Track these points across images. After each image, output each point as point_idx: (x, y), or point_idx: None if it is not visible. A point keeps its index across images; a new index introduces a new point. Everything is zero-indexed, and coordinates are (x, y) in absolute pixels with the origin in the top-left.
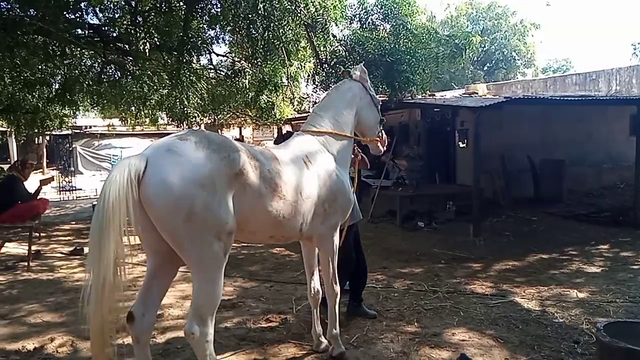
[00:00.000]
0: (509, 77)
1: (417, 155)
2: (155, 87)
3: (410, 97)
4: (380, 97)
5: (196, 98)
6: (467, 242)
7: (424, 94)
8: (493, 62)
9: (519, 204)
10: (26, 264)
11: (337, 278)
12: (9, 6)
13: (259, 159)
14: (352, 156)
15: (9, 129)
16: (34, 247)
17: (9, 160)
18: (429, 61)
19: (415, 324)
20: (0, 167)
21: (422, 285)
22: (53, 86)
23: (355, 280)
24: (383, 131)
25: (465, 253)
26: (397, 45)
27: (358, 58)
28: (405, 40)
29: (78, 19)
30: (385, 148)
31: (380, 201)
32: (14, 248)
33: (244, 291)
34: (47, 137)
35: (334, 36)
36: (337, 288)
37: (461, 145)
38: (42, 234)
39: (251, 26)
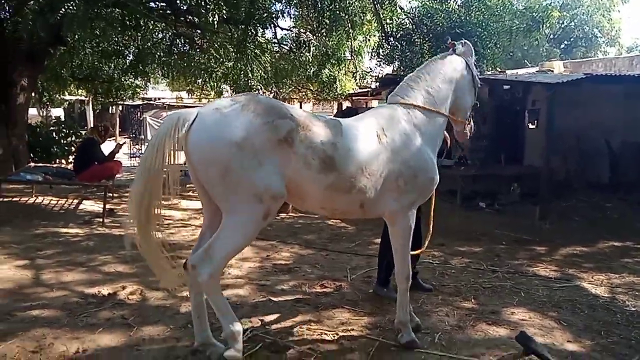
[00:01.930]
0: (589, 56)
1: (481, 134)
2: (221, 60)
3: (479, 73)
4: None
5: (260, 71)
6: (532, 225)
7: (494, 70)
8: (571, 39)
9: (593, 189)
10: (101, 220)
11: (408, 261)
12: None
13: (312, 129)
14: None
15: (87, 98)
16: (108, 206)
17: (86, 127)
18: (502, 35)
19: (473, 300)
20: (80, 133)
21: (481, 264)
22: (127, 57)
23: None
24: (472, 117)
25: (529, 236)
26: (468, 18)
27: (426, 31)
28: (478, 13)
29: None
30: (470, 134)
31: (441, 180)
32: (90, 205)
33: (300, 257)
34: (120, 107)
35: (402, 8)
36: (408, 271)
37: (531, 126)
38: (115, 194)
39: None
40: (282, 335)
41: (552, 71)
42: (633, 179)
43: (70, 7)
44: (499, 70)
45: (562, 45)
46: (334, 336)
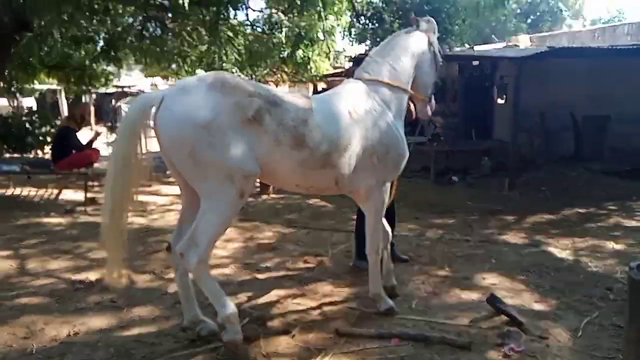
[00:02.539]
0: (554, 29)
1: (453, 112)
2: (194, 44)
3: (448, 49)
4: None
5: (234, 54)
6: (502, 196)
7: (462, 46)
8: (537, 14)
9: (558, 162)
10: (83, 208)
11: (379, 235)
12: None
13: (281, 106)
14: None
15: (59, 87)
16: (89, 194)
17: (59, 117)
18: (470, 11)
19: (447, 268)
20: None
21: (455, 234)
22: (98, 43)
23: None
24: (433, 95)
25: (499, 206)
26: None
27: (395, 9)
28: None
29: None
30: (432, 112)
31: (415, 157)
32: (70, 194)
33: (283, 236)
34: (94, 96)
35: None
36: (379, 245)
37: (500, 101)
38: (95, 183)
39: None
40: (268, 309)
41: (518, 46)
42: (595, 151)
43: None
44: (468, 46)
45: (529, 20)
46: (317, 307)
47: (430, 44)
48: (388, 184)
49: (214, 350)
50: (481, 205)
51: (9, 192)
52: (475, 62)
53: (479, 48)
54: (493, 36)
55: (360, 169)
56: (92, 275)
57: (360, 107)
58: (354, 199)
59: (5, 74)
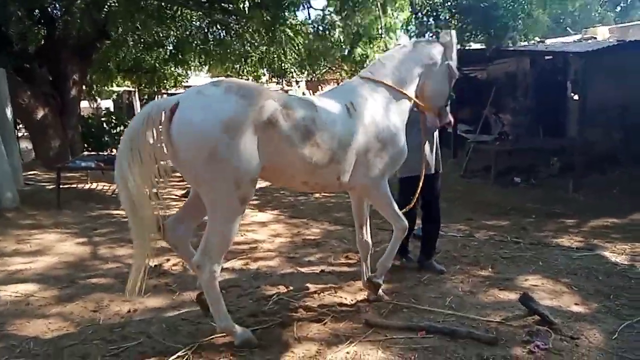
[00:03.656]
0: None
1: (523, 108)
2: (255, 45)
3: (511, 45)
4: (474, 46)
5: (293, 54)
6: (565, 198)
7: (529, 41)
8: (628, 1)
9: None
10: None
11: (399, 214)
12: None
13: (292, 107)
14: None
15: (133, 88)
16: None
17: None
18: (535, 4)
19: (490, 269)
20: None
21: (505, 236)
22: (167, 47)
23: (424, 234)
24: (448, 109)
25: (561, 209)
26: None
27: (451, 5)
28: None
29: None
30: (442, 126)
31: (478, 156)
32: None
33: (329, 233)
34: (165, 96)
35: None
36: (404, 222)
37: (575, 97)
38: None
39: None
40: (305, 299)
41: (595, 38)
42: None
43: (113, 3)
44: (539, 39)
45: (618, 8)
46: (352, 300)
47: (445, 56)
48: (386, 179)
49: (253, 332)
50: (541, 207)
51: (87, 186)
52: (549, 57)
53: (552, 41)
54: (567, 28)
55: (358, 164)
56: (152, 262)
57: (358, 104)
58: (353, 195)
59: (87, 78)
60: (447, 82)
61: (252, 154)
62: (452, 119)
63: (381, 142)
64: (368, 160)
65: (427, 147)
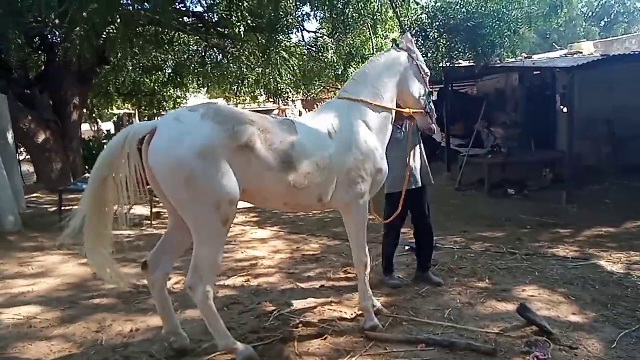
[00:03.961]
0: (631, 32)
1: (514, 122)
2: (252, 67)
3: (499, 62)
4: (464, 63)
5: (288, 75)
6: (559, 209)
7: (516, 58)
8: (612, 16)
9: (629, 173)
10: (149, 222)
11: (364, 248)
12: (128, 2)
13: (271, 131)
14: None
15: (133, 111)
16: (154, 209)
17: None
18: (521, 22)
19: (487, 281)
20: None
21: (501, 247)
22: (166, 71)
23: (418, 247)
24: (432, 105)
25: (554, 220)
26: (482, 9)
27: (439, 25)
28: (493, 3)
29: (183, 8)
30: (434, 121)
31: (469, 170)
32: (139, 209)
33: (328, 248)
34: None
35: (418, 3)
36: (366, 259)
37: (564, 110)
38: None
39: (334, 3)
40: (305, 315)
41: (581, 53)
42: None
43: (111, 30)
44: (526, 55)
45: (602, 23)
46: (352, 314)
47: (410, 58)
48: (366, 200)
49: (254, 348)
50: (535, 219)
51: None
52: (537, 72)
53: (539, 57)
54: (554, 44)
55: (340, 185)
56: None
57: (339, 126)
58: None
59: (88, 102)
60: (421, 81)
61: (230, 177)
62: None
63: (360, 161)
64: (350, 179)
65: (412, 161)
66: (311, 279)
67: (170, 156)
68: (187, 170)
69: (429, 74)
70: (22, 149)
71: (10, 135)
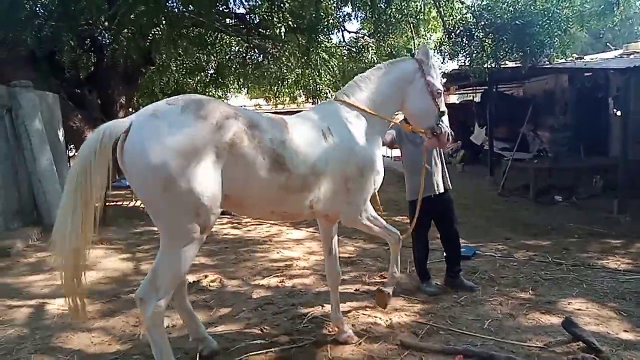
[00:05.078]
0: None
1: (562, 125)
2: (291, 67)
3: (548, 62)
4: (510, 64)
5: (328, 75)
6: (610, 218)
7: (566, 58)
8: None
9: None
10: None
11: (387, 228)
12: (173, 4)
13: (259, 128)
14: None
15: None
16: None
17: None
18: (572, 21)
19: (530, 291)
20: None
21: (546, 256)
22: (208, 71)
23: (447, 252)
24: (442, 126)
25: (605, 229)
26: (531, 7)
27: (485, 24)
28: (543, 1)
29: (226, 10)
30: (445, 145)
31: (513, 175)
32: None
33: (363, 251)
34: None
35: (462, 2)
36: (395, 234)
37: (617, 113)
38: None
39: (376, 3)
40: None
41: (639, 53)
42: None
43: (157, 32)
44: (576, 56)
45: None
46: (386, 321)
47: (421, 71)
48: (366, 204)
49: (286, 350)
50: (584, 227)
51: (131, 204)
52: (588, 73)
53: (591, 57)
54: (607, 44)
55: (336, 192)
56: (190, 278)
57: (334, 129)
58: (322, 223)
59: (133, 101)
60: (429, 99)
61: (213, 180)
62: (451, 135)
63: (361, 170)
64: (348, 189)
65: (433, 167)
66: (346, 282)
67: (145, 157)
68: (164, 172)
69: (441, 91)
70: (71, 146)
71: (60, 133)
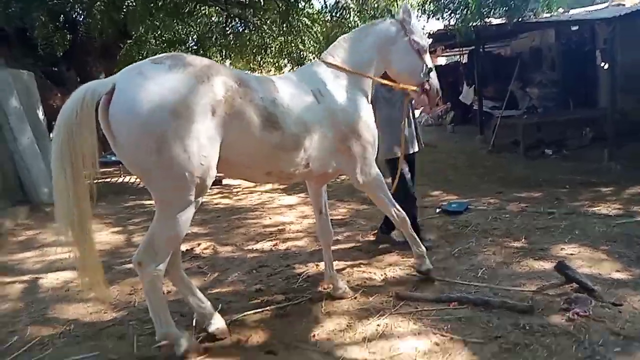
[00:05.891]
0: None
1: (550, 81)
2: (274, 35)
3: (533, 17)
4: (495, 21)
5: (311, 42)
6: (600, 167)
7: (552, 12)
8: None
9: None
10: None
11: (396, 205)
12: None
13: (249, 85)
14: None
15: None
16: None
17: None
18: None
19: (523, 240)
20: None
21: (538, 207)
22: (189, 44)
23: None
24: (431, 82)
25: (595, 178)
26: None
27: None
28: None
29: None
30: (434, 103)
31: (502, 131)
32: None
33: (357, 212)
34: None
35: None
36: (402, 214)
37: (605, 66)
38: None
39: None
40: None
41: (624, 4)
42: None
43: (131, 3)
44: (562, 11)
45: None
46: (381, 275)
47: (403, 30)
48: (373, 164)
49: (282, 309)
50: (574, 177)
51: (119, 179)
52: (574, 27)
53: (577, 11)
54: None
55: (334, 152)
56: (183, 246)
57: (326, 89)
58: (312, 186)
59: None
60: (414, 57)
61: (207, 140)
62: (439, 91)
63: (353, 128)
64: (350, 148)
65: (413, 124)
66: (340, 242)
67: (135, 118)
68: (157, 133)
69: (426, 48)
70: (53, 124)
71: (40, 112)
